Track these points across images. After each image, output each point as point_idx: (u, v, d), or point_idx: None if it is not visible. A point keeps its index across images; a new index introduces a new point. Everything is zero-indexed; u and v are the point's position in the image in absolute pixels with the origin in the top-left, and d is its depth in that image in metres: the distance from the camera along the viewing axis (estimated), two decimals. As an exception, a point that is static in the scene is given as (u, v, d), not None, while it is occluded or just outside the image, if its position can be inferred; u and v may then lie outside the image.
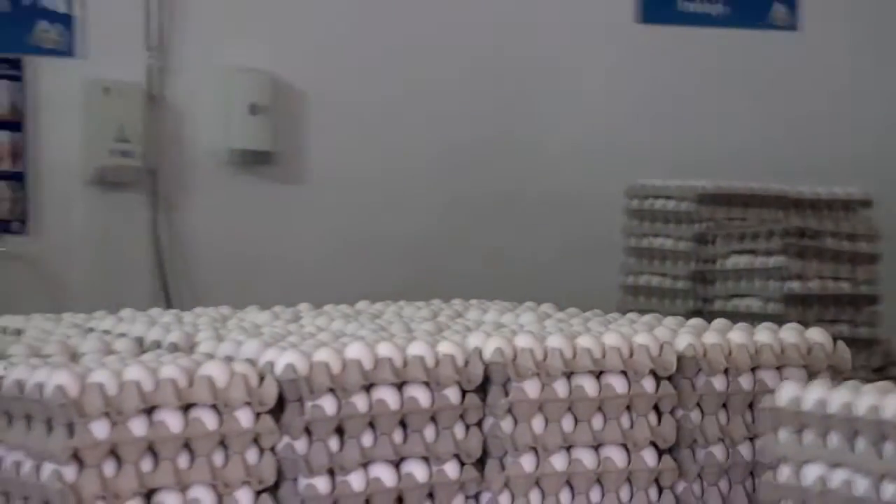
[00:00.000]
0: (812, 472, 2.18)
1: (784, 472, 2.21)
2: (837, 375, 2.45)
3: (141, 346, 2.31)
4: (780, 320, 3.68)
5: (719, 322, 2.51)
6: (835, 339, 2.49)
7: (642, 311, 3.97)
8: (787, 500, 2.21)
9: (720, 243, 3.94)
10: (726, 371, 2.35)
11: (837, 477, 2.17)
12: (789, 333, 2.45)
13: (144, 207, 4.44)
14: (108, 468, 1.92)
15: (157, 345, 2.31)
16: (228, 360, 2.08)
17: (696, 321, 2.54)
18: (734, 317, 3.62)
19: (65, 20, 4.39)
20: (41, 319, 2.56)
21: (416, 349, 2.15)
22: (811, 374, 2.41)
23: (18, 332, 2.47)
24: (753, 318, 3.62)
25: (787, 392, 2.21)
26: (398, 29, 4.70)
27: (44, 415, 1.93)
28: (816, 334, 2.47)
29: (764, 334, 2.42)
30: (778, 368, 2.40)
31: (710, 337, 2.37)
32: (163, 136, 4.47)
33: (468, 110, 4.84)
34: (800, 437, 2.20)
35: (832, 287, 3.84)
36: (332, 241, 4.74)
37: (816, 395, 2.19)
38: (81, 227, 4.40)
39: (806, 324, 3.77)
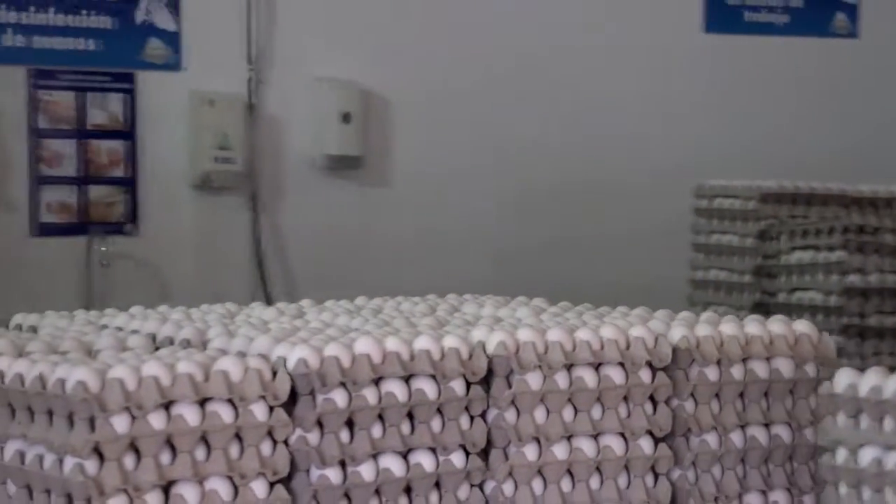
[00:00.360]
0: (867, 455, 2.17)
1: (841, 455, 2.21)
2: (823, 365, 2.42)
3: (154, 343, 2.28)
4: (840, 312, 3.72)
5: (709, 315, 2.48)
6: (820, 331, 2.45)
7: (709, 304, 4.00)
8: (843, 480, 2.20)
9: (783, 240, 3.93)
10: (719, 362, 2.32)
11: (892, 459, 2.15)
12: (777, 325, 2.40)
13: (244, 209, 4.50)
14: (128, 461, 1.91)
15: (170, 341, 2.29)
16: (241, 355, 2.06)
17: (686, 314, 2.50)
18: (797, 309, 3.80)
19: (173, 38, 4.43)
20: (55, 317, 2.53)
21: (423, 343, 2.12)
22: (798, 364, 2.39)
23: (34, 330, 2.45)
24: (815, 311, 3.78)
25: (843, 379, 2.21)
26: (472, 40, 4.78)
27: (65, 410, 1.91)
28: (802, 326, 2.42)
29: (753, 326, 2.38)
30: (767, 359, 2.36)
31: (703, 329, 2.33)
32: (261, 143, 4.53)
33: (539, 112, 4.87)
34: (856, 421, 2.19)
35: (891, 280, 3.80)
36: (415, 238, 4.71)
37: (872, 382, 2.17)
38: (187, 227, 4.47)
39: (865, 315, 3.86)
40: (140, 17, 4.38)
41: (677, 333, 2.30)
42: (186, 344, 2.24)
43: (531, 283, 4.51)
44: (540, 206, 4.83)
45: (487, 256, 4.76)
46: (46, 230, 4.32)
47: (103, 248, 4.30)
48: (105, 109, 4.37)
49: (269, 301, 3.91)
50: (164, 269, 4.42)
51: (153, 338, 2.30)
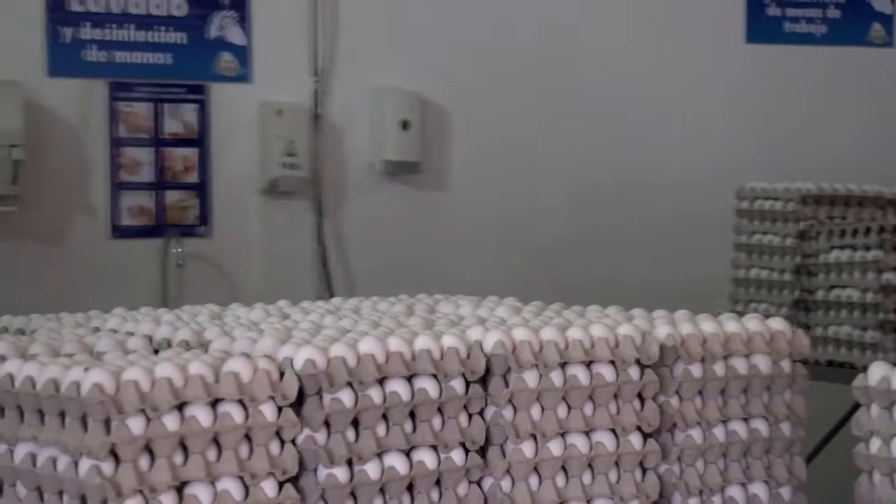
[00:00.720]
0: (900, 444, 2.17)
1: (875, 444, 2.21)
2: (797, 361, 2.39)
3: (151, 344, 2.22)
4: (876, 309, 3.72)
5: (682, 313, 2.44)
6: (793, 328, 2.40)
7: (750, 301, 4.08)
8: (878, 469, 2.20)
9: (822, 239, 3.93)
10: (702, 359, 2.29)
11: (924, 448, 2.14)
12: (753, 323, 2.38)
13: (309, 212, 4.50)
14: (143, 463, 1.86)
15: (168, 342, 2.22)
16: (247, 356, 2.00)
17: (661, 312, 2.47)
18: (835, 306, 3.85)
19: (243, 52, 4.43)
20: (42, 319, 2.46)
21: (424, 343, 2.09)
22: (774, 361, 2.36)
23: (22, 332, 2.37)
24: (852, 308, 3.80)
25: (877, 372, 2.21)
26: (524, 53, 4.80)
27: (80, 412, 1.86)
28: (777, 323, 2.41)
29: (731, 324, 2.36)
30: (746, 356, 2.34)
31: (686, 327, 2.31)
32: (325, 150, 4.52)
33: (587, 118, 4.88)
34: (889, 412, 2.18)
35: (925, 279, 3.72)
36: (470, 240, 4.72)
37: (904, 375, 2.15)
38: (255, 229, 4.48)
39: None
40: (212, 32, 4.41)
41: (663, 332, 2.29)
42: (186, 345, 2.18)
43: (579, 281, 4.62)
44: (588, 207, 4.87)
45: (536, 255, 4.79)
46: (125, 232, 4.35)
47: (178, 250, 4.32)
48: (179, 119, 4.38)
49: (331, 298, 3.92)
50: (234, 268, 4.46)
51: (150, 339, 2.24)
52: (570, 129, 4.85)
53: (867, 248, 3.78)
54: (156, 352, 2.15)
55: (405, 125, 4.58)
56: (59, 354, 2.08)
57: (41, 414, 1.92)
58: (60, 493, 1.89)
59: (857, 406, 2.25)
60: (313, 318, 2.42)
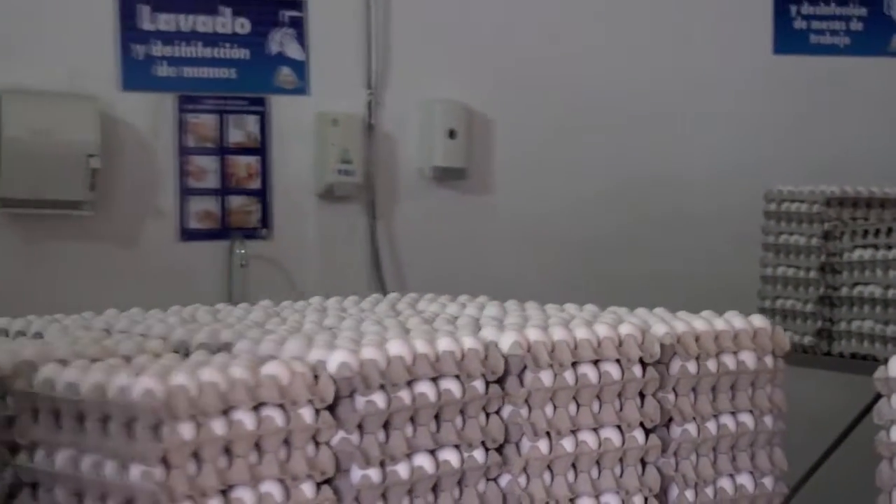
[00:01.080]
0: (918, 432, 2.15)
1: (895, 433, 2.20)
2: (778, 355, 2.37)
3: (169, 346, 2.12)
4: None
5: (659, 310, 2.42)
6: (773, 325, 2.38)
7: (777, 298, 4.08)
8: None
9: (845, 239, 3.92)
10: (698, 356, 2.27)
11: (941, 436, 2.14)
12: (737, 320, 2.36)
13: (363, 215, 4.56)
14: (191, 467, 1.79)
15: (185, 345, 2.12)
16: (283, 359, 1.93)
17: (641, 310, 2.45)
18: (858, 301, 3.84)
19: (301, 66, 4.47)
20: (42, 321, 2.33)
21: (446, 344, 2.04)
22: (759, 357, 2.34)
23: (23, 334, 2.26)
24: (874, 303, 3.79)
25: (895, 364, 2.21)
26: (564, 65, 4.83)
27: (126, 417, 1.78)
28: (758, 320, 2.38)
29: (719, 322, 2.34)
30: (734, 353, 2.32)
31: (680, 325, 2.28)
32: (378, 157, 4.57)
33: (622, 126, 4.89)
34: None
35: (944, 275, 3.72)
36: (513, 240, 4.74)
37: (922, 365, 2.15)
38: (312, 232, 4.52)
39: (922, 308, 3.82)
40: (273, 48, 4.42)
41: (660, 330, 2.26)
42: (206, 348, 2.08)
43: (615, 279, 4.69)
44: (622, 207, 4.89)
45: (574, 254, 4.78)
46: (193, 235, 4.37)
47: (241, 251, 4.36)
48: (243, 129, 4.40)
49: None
50: (293, 269, 4.48)
51: (165, 341, 2.15)
52: (605, 136, 4.87)
53: (889, 248, 3.79)
54: (175, 354, 2.06)
55: (452, 134, 4.62)
56: (86, 358, 1.97)
57: (80, 418, 1.84)
58: (104, 498, 1.82)
59: (878, 396, 2.25)
60: (313, 317, 2.34)
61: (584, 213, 4.83)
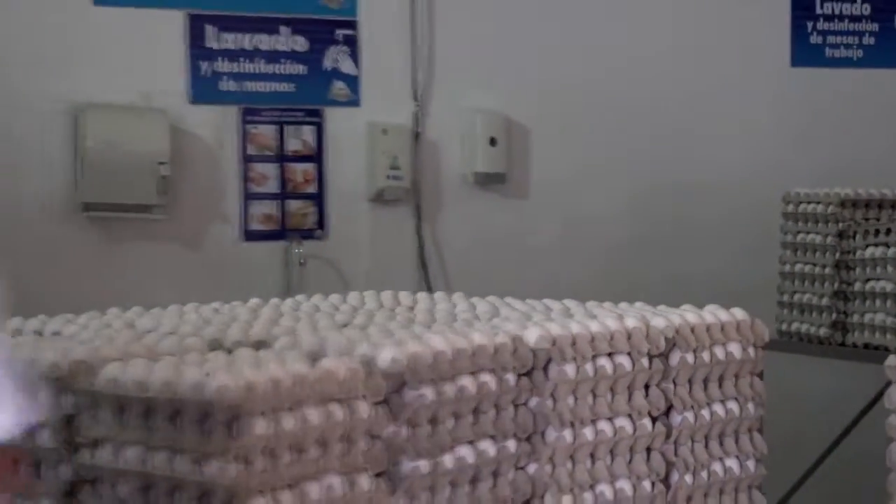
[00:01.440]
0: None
1: None
2: (759, 346, 2.38)
3: (206, 343, 2.06)
4: None
5: (639, 304, 2.42)
6: (752, 317, 2.40)
7: (795, 293, 4.15)
8: None
9: (858, 238, 3.96)
10: (695, 349, 2.28)
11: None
12: (721, 313, 2.36)
13: (410, 218, 4.62)
14: (263, 463, 1.76)
15: (218, 343, 2.07)
16: (324, 355, 1.90)
17: (624, 304, 2.45)
18: (870, 296, 3.91)
19: (354, 80, 4.55)
20: (59, 320, 2.27)
21: (479, 339, 2.04)
22: (744, 347, 2.36)
23: (40, 333, 2.20)
24: (885, 297, 3.86)
25: None
26: (594, 78, 4.82)
27: (200, 413, 1.74)
28: (739, 313, 2.39)
29: (708, 316, 2.34)
30: (723, 344, 2.33)
31: (677, 318, 2.29)
32: (424, 163, 4.65)
33: (649, 134, 4.88)
34: None
35: (951, 271, 3.82)
36: (549, 243, 4.78)
37: (925, 355, 2.29)
38: (364, 233, 4.58)
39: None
40: (327, 64, 4.49)
41: (660, 323, 2.26)
42: (240, 345, 2.03)
43: (641, 277, 4.74)
44: (649, 211, 4.92)
45: (605, 254, 4.80)
46: (254, 236, 4.41)
47: (299, 251, 4.41)
48: (299, 139, 4.45)
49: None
50: (346, 266, 4.51)
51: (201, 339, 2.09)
52: (633, 144, 4.88)
53: None
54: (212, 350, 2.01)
55: (492, 141, 4.67)
56: (134, 356, 1.93)
57: (147, 415, 1.80)
58: (173, 492, 1.79)
59: (889, 383, 2.32)
60: (321, 316, 2.29)
61: (615, 215, 4.87)
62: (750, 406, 2.40)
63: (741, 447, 2.40)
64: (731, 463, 2.37)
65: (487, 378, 2.04)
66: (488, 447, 2.05)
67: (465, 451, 2.02)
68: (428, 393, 1.95)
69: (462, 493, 2.00)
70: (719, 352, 2.34)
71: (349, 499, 1.86)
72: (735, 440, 2.39)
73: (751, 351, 2.40)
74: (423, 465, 1.94)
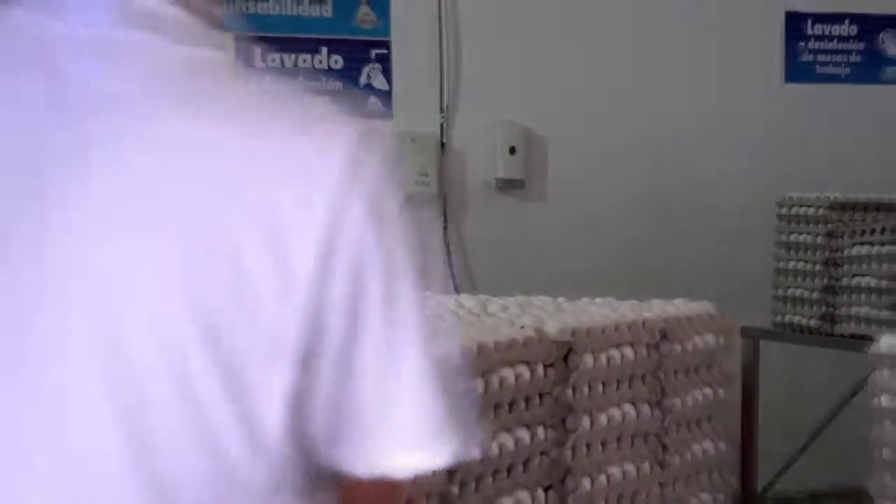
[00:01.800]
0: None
1: (885, 399, 2.34)
2: (728, 336, 2.45)
3: None
4: (891, 293, 3.79)
5: (610, 299, 2.45)
6: (722, 311, 2.45)
7: (789, 287, 4.21)
8: (887, 419, 2.33)
9: (846, 238, 4.00)
10: (681, 340, 2.32)
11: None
12: (694, 306, 2.40)
13: (437, 221, 4.66)
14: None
15: None
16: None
17: (609, 299, 2.47)
18: (856, 290, 3.95)
19: (386, 95, 4.70)
20: None
21: (512, 332, 2.04)
22: (716, 336, 2.40)
23: None
24: (870, 292, 3.89)
25: (886, 342, 2.37)
26: (605, 92, 4.90)
27: None
28: (706, 306, 2.43)
29: (688, 308, 2.38)
30: (702, 334, 2.38)
31: (663, 312, 2.31)
32: (449, 170, 4.75)
33: (655, 146, 4.93)
34: (893, 373, 2.31)
35: (932, 269, 3.81)
36: (565, 243, 4.83)
37: (904, 343, 2.31)
38: None
39: (912, 297, 3.86)
40: (362, 81, 4.64)
41: (651, 316, 2.29)
42: None
43: (649, 274, 4.79)
44: (657, 215, 4.96)
45: (618, 254, 4.86)
46: None
47: None
48: None
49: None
50: None
51: None
52: (640, 152, 4.95)
53: (882, 244, 3.88)
54: None
55: (512, 150, 4.75)
56: None
57: None
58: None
59: (873, 369, 2.40)
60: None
61: (624, 218, 4.93)
62: (721, 391, 2.50)
63: (716, 429, 2.49)
64: (707, 444, 2.46)
65: (522, 370, 2.06)
66: (524, 434, 2.06)
67: (506, 438, 2.03)
68: (478, 384, 1.91)
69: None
70: (699, 342, 2.40)
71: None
72: (711, 422, 2.47)
73: (723, 340, 2.49)
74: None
